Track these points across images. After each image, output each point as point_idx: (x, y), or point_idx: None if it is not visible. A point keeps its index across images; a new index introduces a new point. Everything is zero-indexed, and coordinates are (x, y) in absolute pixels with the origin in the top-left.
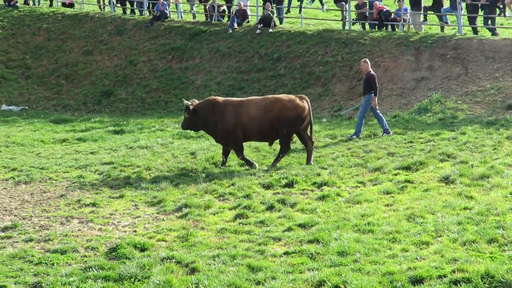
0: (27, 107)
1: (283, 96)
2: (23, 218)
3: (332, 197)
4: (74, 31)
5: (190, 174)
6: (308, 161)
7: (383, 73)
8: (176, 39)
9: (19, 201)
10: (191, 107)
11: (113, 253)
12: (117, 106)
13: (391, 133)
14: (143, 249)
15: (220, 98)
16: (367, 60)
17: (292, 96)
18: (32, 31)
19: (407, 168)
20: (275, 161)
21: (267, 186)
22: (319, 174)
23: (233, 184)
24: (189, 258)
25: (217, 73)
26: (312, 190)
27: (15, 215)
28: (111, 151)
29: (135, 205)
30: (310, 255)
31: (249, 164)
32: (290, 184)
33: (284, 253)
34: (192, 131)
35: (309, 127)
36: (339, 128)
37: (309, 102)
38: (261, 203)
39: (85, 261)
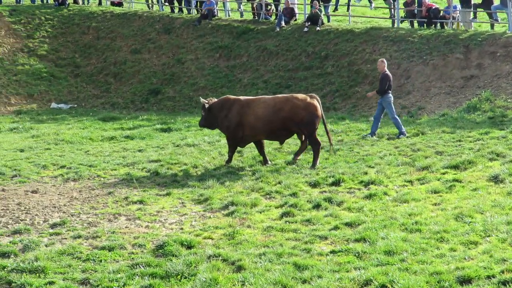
0: (76, 105)
1: (294, 95)
2: (72, 215)
3: (379, 196)
4: (123, 29)
5: (237, 172)
6: (294, 157)
7: (431, 71)
8: (223, 38)
9: (67, 198)
10: (206, 105)
11: (160, 251)
12: (164, 104)
13: (375, 136)
14: (189, 246)
15: (232, 97)
16: (384, 60)
17: (302, 95)
18: (81, 30)
19: (455, 167)
20: (314, 159)
21: (314, 185)
22: (366, 173)
23: (279, 183)
24: (235, 256)
25: (264, 71)
26: (359, 189)
27: (64, 212)
28: (158, 149)
29: (182, 202)
30: (357, 254)
31: (229, 160)
32: (336, 183)
33: (331, 252)
34: (209, 129)
35: (325, 128)
36: (386, 126)
37: (320, 102)
38: (307, 201)
39: (132, 258)
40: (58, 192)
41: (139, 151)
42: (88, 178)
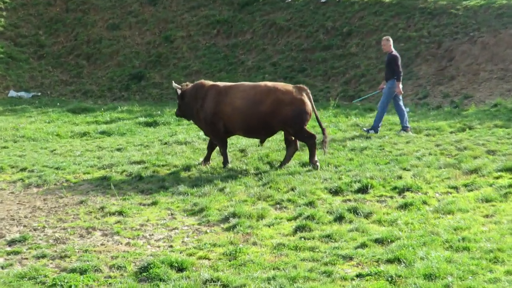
0: (39, 94)
1: (278, 85)
2: (34, 229)
3: (416, 206)
4: (97, 0)
5: (239, 176)
6: (281, 165)
7: (480, 51)
8: (222, 10)
9: (29, 208)
10: (179, 91)
11: (144, 274)
12: (149, 92)
13: (410, 131)
14: (181, 268)
15: (207, 82)
16: (390, 38)
17: (289, 87)
18: (46, 0)
19: (511, 169)
20: (311, 156)
21: (335, 192)
22: (400, 177)
23: (292, 189)
24: (238, 281)
25: (272, 52)
26: (391, 197)
27: (25, 226)
28: (142, 148)
29: (172, 214)
30: (390, 279)
31: (225, 161)
32: (364, 189)
33: (357, 276)
34: (186, 120)
35: (318, 123)
36: (425, 119)
37: (310, 95)
38: (327, 212)
39: (109, 283)
40: (18, 201)
41: (118, 150)
42: (55, 184)
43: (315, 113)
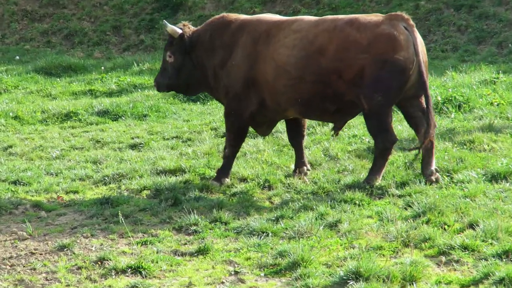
0: None
1: (353, 17)
2: None
3: None
4: None
5: (366, 198)
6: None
7: None
8: None
9: None
10: (178, 32)
11: None
12: None
13: None
14: None
15: (234, 16)
16: None
17: (373, 17)
18: None
19: None
20: (375, 166)
21: None
22: None
23: (472, 225)
24: None
25: None
26: None
27: None
28: (179, 143)
29: (235, 272)
30: None
31: (224, 172)
32: None
33: None
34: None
35: (426, 101)
36: None
37: (417, 33)
38: None
39: None
40: None
41: (133, 147)
42: (11, 212)
43: (420, 69)
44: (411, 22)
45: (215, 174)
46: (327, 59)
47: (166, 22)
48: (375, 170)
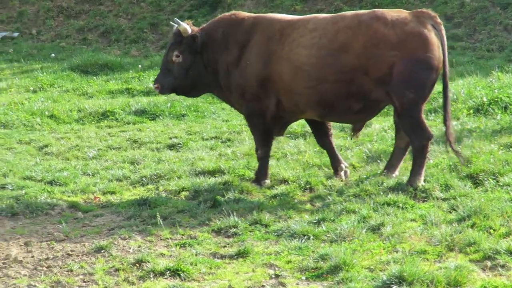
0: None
1: (379, 12)
2: None
3: None
4: None
5: (409, 202)
6: (411, 178)
7: None
8: None
9: None
10: (188, 31)
11: None
12: None
13: None
14: None
15: (245, 14)
16: None
17: (399, 13)
18: None
19: None
20: (415, 166)
21: None
22: None
23: None
24: None
25: None
26: None
27: None
28: (218, 144)
29: (276, 275)
30: None
31: (261, 176)
32: None
33: None
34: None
35: (444, 99)
36: None
37: (443, 31)
38: None
39: None
40: None
41: (171, 147)
42: (47, 213)
43: (444, 70)
44: (439, 20)
45: (254, 177)
46: (351, 56)
47: (179, 20)
48: (416, 170)
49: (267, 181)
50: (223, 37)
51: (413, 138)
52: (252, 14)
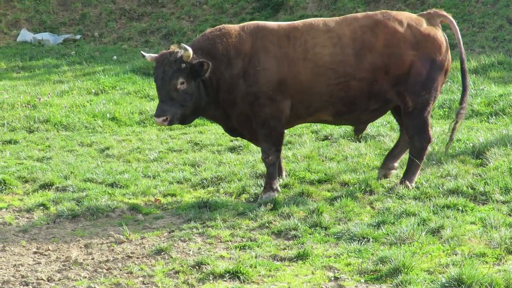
0: (78, 36)
1: (391, 13)
2: None
3: None
4: None
5: (469, 203)
6: (401, 180)
7: None
8: None
9: (57, 263)
10: (190, 54)
11: None
12: None
13: None
14: None
15: (233, 26)
16: None
17: (410, 14)
18: None
19: None
20: (410, 168)
21: None
22: None
23: None
24: None
25: None
26: None
27: None
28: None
29: (335, 278)
30: None
31: (271, 185)
32: None
33: None
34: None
35: (462, 80)
36: None
37: (457, 28)
38: None
39: None
40: (35, 247)
41: (232, 150)
42: (107, 215)
43: (463, 69)
44: (450, 17)
45: (265, 186)
46: (375, 55)
47: (185, 45)
48: (412, 170)
49: (278, 185)
50: (223, 53)
51: (416, 138)
52: (241, 25)
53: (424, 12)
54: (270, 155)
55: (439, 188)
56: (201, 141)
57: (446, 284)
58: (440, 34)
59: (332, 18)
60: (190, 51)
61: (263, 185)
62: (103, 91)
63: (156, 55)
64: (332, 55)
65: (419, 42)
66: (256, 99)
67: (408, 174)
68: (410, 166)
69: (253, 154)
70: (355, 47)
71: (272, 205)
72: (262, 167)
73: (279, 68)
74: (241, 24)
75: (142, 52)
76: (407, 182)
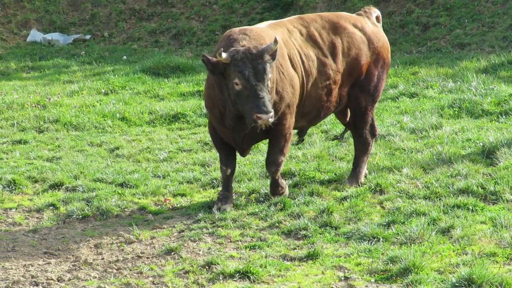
0: (88, 36)
1: (344, 15)
2: None
3: None
4: None
5: (480, 203)
6: (350, 179)
7: None
8: None
9: (67, 263)
10: (274, 45)
11: None
12: None
13: None
14: None
15: (247, 28)
16: None
17: (357, 16)
18: None
19: None
20: (357, 164)
21: None
22: None
23: None
24: None
25: None
26: None
27: None
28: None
29: (345, 278)
30: None
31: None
32: None
33: None
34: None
35: None
36: None
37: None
38: None
39: None
40: (45, 247)
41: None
42: (117, 215)
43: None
44: (380, 16)
45: (282, 189)
46: (342, 57)
47: (278, 38)
48: (362, 166)
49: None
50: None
51: (365, 135)
52: (241, 28)
53: (361, 11)
54: (283, 161)
55: (449, 188)
56: (211, 141)
57: (456, 284)
58: (383, 33)
59: (289, 19)
60: (223, 55)
61: (271, 190)
62: (113, 91)
63: (240, 49)
64: (315, 54)
65: (370, 43)
66: (286, 108)
67: (358, 170)
68: (359, 162)
69: (263, 154)
70: (329, 49)
71: (282, 205)
72: None
73: (293, 73)
74: (241, 28)
75: (222, 52)
76: (354, 180)
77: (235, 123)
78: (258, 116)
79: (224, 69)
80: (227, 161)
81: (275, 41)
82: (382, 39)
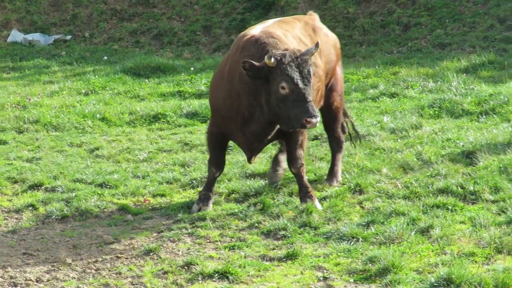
0: (68, 37)
1: (314, 17)
2: None
3: None
4: None
5: (459, 203)
6: (330, 178)
7: None
8: None
9: (46, 264)
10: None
11: None
12: None
13: None
14: None
15: (261, 28)
16: None
17: (307, 18)
18: None
19: None
20: (333, 171)
21: None
22: None
23: None
24: None
25: None
26: None
27: None
28: (271, 145)
29: (324, 278)
30: None
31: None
32: None
33: None
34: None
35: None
36: None
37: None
38: None
39: None
40: (24, 248)
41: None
42: (97, 216)
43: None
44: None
45: (310, 195)
46: (322, 58)
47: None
48: (339, 165)
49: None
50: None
51: (339, 134)
52: (264, 31)
53: (307, 16)
54: (303, 164)
55: (428, 188)
56: (191, 141)
57: (435, 284)
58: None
59: (272, 22)
60: (274, 54)
61: (301, 196)
62: (93, 91)
63: (285, 52)
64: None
65: (336, 44)
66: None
67: (335, 169)
68: (337, 161)
69: (242, 154)
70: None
71: (261, 205)
72: (251, 167)
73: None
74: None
75: (271, 54)
76: (337, 176)
77: (262, 129)
78: (308, 120)
79: (269, 73)
80: (219, 164)
81: (316, 45)
82: (338, 41)
